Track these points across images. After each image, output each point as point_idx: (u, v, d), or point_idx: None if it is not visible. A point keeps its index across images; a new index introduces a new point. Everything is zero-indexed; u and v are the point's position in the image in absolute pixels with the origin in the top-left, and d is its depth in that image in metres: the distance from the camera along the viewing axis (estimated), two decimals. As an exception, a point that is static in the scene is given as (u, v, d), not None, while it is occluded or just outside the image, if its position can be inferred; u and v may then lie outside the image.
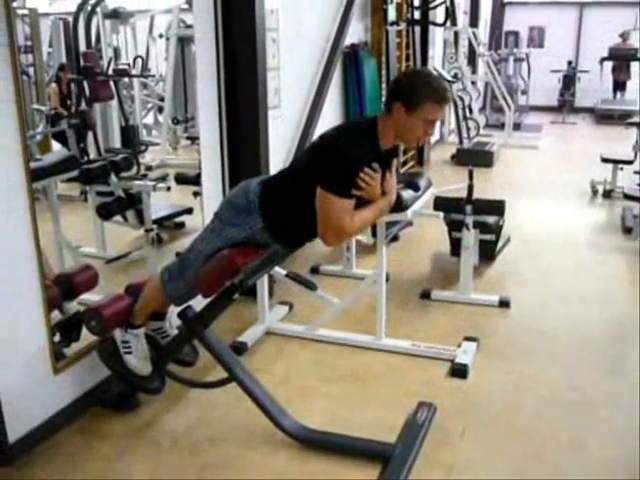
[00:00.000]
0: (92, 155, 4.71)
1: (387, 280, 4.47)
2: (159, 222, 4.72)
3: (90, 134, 4.75)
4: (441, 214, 4.80)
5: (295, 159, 3.32)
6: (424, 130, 2.91)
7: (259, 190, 3.01)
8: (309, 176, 2.88)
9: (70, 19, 4.66)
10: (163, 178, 4.96)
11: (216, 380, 3.28)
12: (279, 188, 3.04)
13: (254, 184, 3.06)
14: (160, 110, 5.67)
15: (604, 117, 14.55)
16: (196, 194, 4.55)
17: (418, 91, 2.83)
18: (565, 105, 14.88)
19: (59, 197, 4.25)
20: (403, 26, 8.57)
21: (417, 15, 9.12)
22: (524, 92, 14.58)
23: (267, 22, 4.65)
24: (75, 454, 3.14)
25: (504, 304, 4.79)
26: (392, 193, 3.10)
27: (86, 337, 3.42)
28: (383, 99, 7.73)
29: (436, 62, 10.54)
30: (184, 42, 5.16)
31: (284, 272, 4.26)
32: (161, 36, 5.36)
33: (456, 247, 5.20)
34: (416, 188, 4.53)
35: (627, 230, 6.56)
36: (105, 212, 4.46)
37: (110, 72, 4.86)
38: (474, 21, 13.68)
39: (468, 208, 4.75)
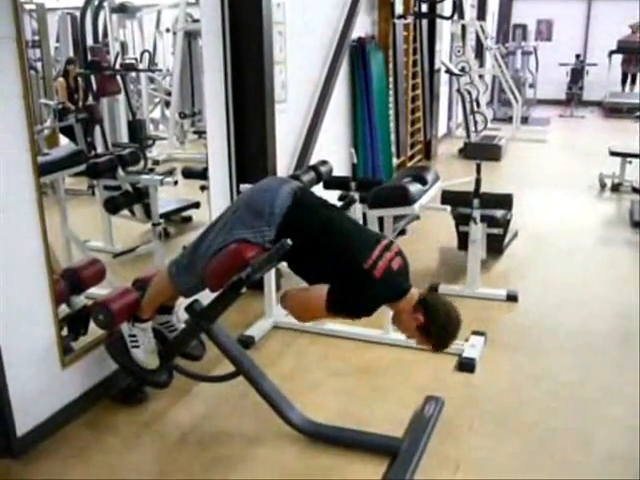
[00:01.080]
0: (99, 149, 4.71)
1: (394, 274, 4.46)
2: (166, 216, 4.72)
3: (97, 128, 4.74)
4: (448, 208, 4.80)
5: (340, 215, 3.20)
6: (408, 335, 2.99)
7: (288, 205, 2.92)
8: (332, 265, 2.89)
9: (77, 14, 4.66)
10: (170, 172, 4.96)
11: (223, 374, 3.28)
12: (308, 225, 2.96)
13: (284, 193, 2.96)
14: (167, 104, 5.66)
15: (612, 110, 14.49)
16: (203, 188, 4.55)
17: (437, 331, 2.87)
18: (573, 98, 14.85)
19: (67, 191, 4.25)
20: (410, 19, 8.54)
21: (424, 8, 9.08)
22: (532, 85, 14.54)
23: (274, 15, 4.64)
24: (82, 448, 3.16)
25: (512, 298, 4.78)
26: None
27: (93, 331, 3.43)
28: (390, 93, 7.73)
29: (443, 56, 10.51)
30: (191, 36, 5.15)
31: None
32: (168, 30, 5.35)
33: (463, 241, 5.19)
34: (423, 182, 4.52)
35: (635, 224, 6.55)
36: (112, 206, 4.46)
37: (117, 66, 4.86)
38: (482, 14, 13.63)
39: (475, 202, 4.74)
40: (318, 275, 2.90)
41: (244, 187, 3.97)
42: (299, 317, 3.05)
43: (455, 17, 9.86)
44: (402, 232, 6.03)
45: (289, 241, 2.76)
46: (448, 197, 4.96)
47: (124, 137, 5.11)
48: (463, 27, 11.04)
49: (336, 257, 2.88)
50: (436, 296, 3.01)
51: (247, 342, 4.08)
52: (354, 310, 2.89)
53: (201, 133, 4.85)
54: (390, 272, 2.85)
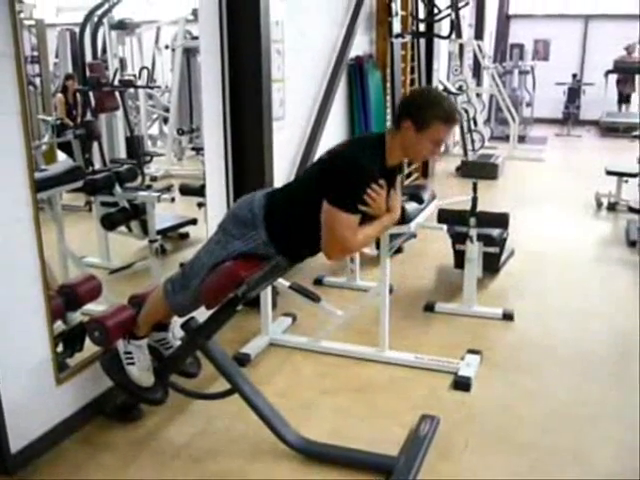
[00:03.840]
0: (97, 165, 4.72)
1: (391, 292, 4.46)
2: (163, 233, 4.73)
3: (95, 144, 4.75)
4: (445, 226, 4.82)
5: (301, 173, 3.33)
6: (431, 149, 2.95)
7: (264, 203, 3.03)
8: (315, 190, 2.88)
9: (77, 30, 4.68)
10: (168, 189, 4.97)
11: (219, 392, 3.28)
12: (284, 201, 3.06)
13: (258, 197, 3.08)
14: (165, 121, 5.68)
15: (609, 130, 14.56)
16: (200, 205, 4.56)
17: (428, 110, 2.86)
18: (570, 118, 14.92)
19: (64, 207, 4.25)
20: (408, 39, 8.58)
21: (422, 28, 9.16)
22: (529, 104, 14.59)
23: (272, 34, 4.66)
24: (78, 465, 3.14)
25: (508, 317, 4.78)
26: (396, 210, 3.11)
27: (89, 348, 3.42)
28: (388, 111, 7.76)
29: (441, 75, 10.56)
30: (190, 53, 5.18)
31: (287, 284, 4.26)
32: (167, 47, 5.38)
33: (460, 259, 5.19)
34: (420, 200, 4.53)
35: (631, 243, 6.55)
36: (109, 222, 4.47)
37: (116, 83, 4.88)
38: (479, 33, 13.73)
39: (472, 220, 4.75)
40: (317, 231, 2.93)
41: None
42: (340, 248, 2.98)
43: (453, 36, 9.92)
44: (399, 250, 6.04)
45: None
46: (445, 215, 4.97)
47: (122, 153, 5.12)
48: (461, 46, 11.13)
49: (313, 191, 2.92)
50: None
51: (243, 359, 4.07)
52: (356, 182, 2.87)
53: (199, 150, 4.86)
54: None
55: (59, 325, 3.40)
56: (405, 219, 4.18)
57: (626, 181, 7.87)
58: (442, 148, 3.03)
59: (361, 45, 7.04)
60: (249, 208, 3.03)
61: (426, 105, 2.88)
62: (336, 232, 2.86)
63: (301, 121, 5.68)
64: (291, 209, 3.01)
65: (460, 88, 10.72)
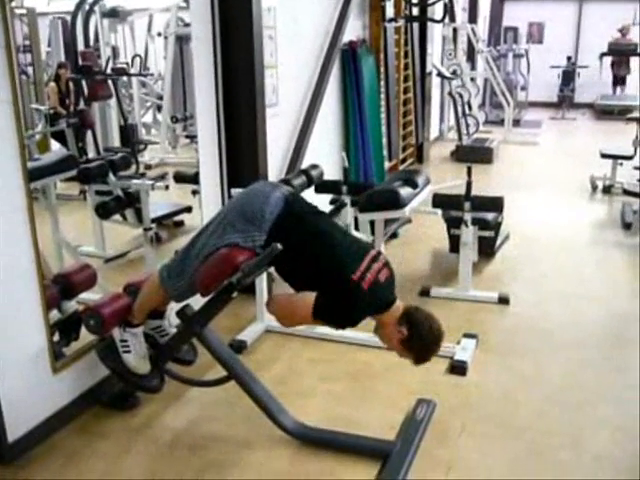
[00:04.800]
0: (91, 154, 4.71)
1: (386, 277, 4.46)
2: (158, 221, 4.72)
3: (89, 133, 4.74)
4: (439, 211, 4.82)
5: (330, 223, 3.20)
6: (391, 346, 3.00)
7: (278, 212, 2.92)
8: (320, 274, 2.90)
9: (68, 18, 4.66)
10: (162, 177, 4.97)
11: (215, 379, 3.28)
12: (298, 232, 2.96)
13: (275, 198, 2.95)
14: (159, 109, 5.66)
15: (604, 112, 14.56)
16: (195, 192, 4.55)
17: (419, 346, 2.91)
18: (565, 101, 14.90)
19: (58, 196, 4.25)
20: (401, 23, 8.55)
21: (415, 12, 9.13)
22: (523, 88, 14.58)
23: (264, 20, 4.64)
24: (75, 453, 3.15)
25: (503, 301, 4.79)
26: None
27: (85, 336, 3.43)
28: (382, 97, 7.74)
29: (435, 59, 10.53)
30: (183, 40, 5.15)
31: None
32: (160, 35, 5.35)
33: (455, 244, 5.20)
34: (414, 185, 4.54)
35: (627, 226, 6.57)
36: (104, 211, 4.45)
37: (109, 71, 4.86)
38: (473, 17, 13.68)
39: (467, 205, 4.75)
40: (306, 282, 2.91)
41: (235, 191, 3.97)
42: (284, 322, 3.05)
43: (446, 20, 9.88)
44: (394, 235, 6.04)
45: (279, 246, 2.75)
46: (439, 200, 4.97)
47: (116, 141, 5.11)
48: (454, 30, 11.08)
49: (324, 266, 2.88)
50: (420, 310, 3.01)
51: (239, 346, 4.08)
52: (340, 320, 2.90)
53: (193, 137, 4.85)
54: (377, 284, 2.87)
55: (55, 314, 3.41)
56: (400, 204, 4.19)
57: (621, 164, 7.88)
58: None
59: (354, 30, 7.01)
60: (261, 208, 2.91)
61: (424, 341, 2.91)
62: (297, 316, 2.95)
63: (294, 107, 5.66)
64: (300, 245, 2.92)
65: (454, 72, 10.70)
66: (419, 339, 2.88)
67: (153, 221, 4.47)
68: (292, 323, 3.09)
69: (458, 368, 3.85)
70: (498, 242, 5.66)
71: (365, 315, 2.92)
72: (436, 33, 10.53)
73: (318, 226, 3.02)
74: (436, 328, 2.94)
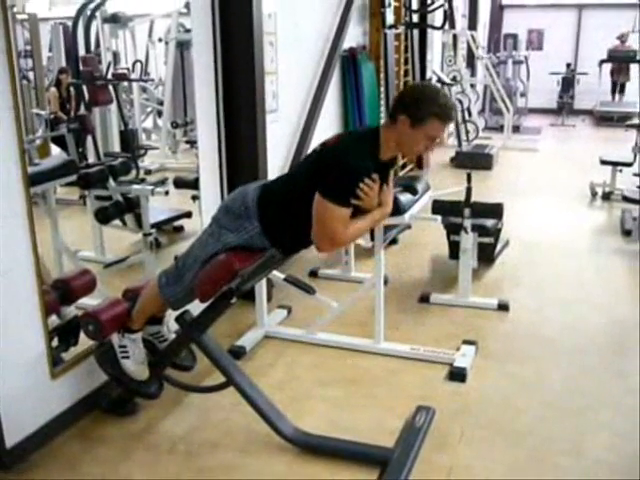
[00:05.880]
0: (91, 159, 4.70)
1: (386, 283, 4.47)
2: (157, 226, 4.72)
3: (89, 138, 4.74)
4: (439, 217, 4.81)
5: (294, 165, 3.32)
6: (425, 146, 2.96)
7: (257, 195, 3.02)
8: (309, 183, 2.88)
9: (70, 23, 4.67)
10: (162, 182, 4.97)
11: (214, 385, 3.28)
12: (277, 193, 3.06)
13: (252, 189, 3.07)
14: (159, 114, 5.66)
15: (603, 119, 14.57)
16: (195, 198, 4.55)
17: (425, 107, 2.85)
18: (564, 107, 14.92)
19: (58, 201, 4.24)
20: (401, 29, 8.57)
21: (415, 18, 9.14)
22: (523, 94, 14.60)
23: (265, 26, 4.64)
24: (73, 459, 3.14)
25: (503, 307, 4.79)
26: (388, 204, 3.11)
27: (84, 342, 3.42)
28: (382, 103, 7.75)
29: (435, 65, 10.55)
30: (183, 46, 5.16)
31: (282, 276, 4.26)
32: (160, 40, 5.36)
33: (454, 250, 5.20)
34: (414, 191, 4.54)
35: (626, 232, 6.57)
36: (103, 216, 4.46)
37: (109, 76, 4.86)
38: (473, 24, 13.71)
39: (466, 211, 4.75)
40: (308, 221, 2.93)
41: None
42: (323, 242, 2.98)
43: (446, 27, 9.90)
44: (393, 242, 6.04)
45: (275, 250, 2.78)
46: (439, 206, 4.97)
47: (116, 147, 5.11)
48: (454, 37, 11.11)
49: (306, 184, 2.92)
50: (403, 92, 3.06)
51: (238, 352, 4.08)
52: (351, 174, 2.87)
53: (193, 143, 4.85)
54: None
55: (54, 319, 3.40)
56: (399, 210, 4.19)
57: (620, 170, 7.88)
58: (437, 144, 3.01)
59: (354, 36, 7.03)
60: (242, 200, 3.02)
61: (423, 101, 2.86)
62: (327, 225, 2.86)
63: (295, 113, 5.67)
64: (284, 201, 3.01)
65: (454, 79, 10.71)
66: (422, 102, 2.85)
67: (153, 226, 4.48)
68: (326, 234, 2.93)
69: (457, 375, 3.85)
70: (498, 248, 5.66)
71: (366, 154, 2.90)
72: (436, 40, 10.57)
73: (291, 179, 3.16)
74: (427, 86, 2.95)
